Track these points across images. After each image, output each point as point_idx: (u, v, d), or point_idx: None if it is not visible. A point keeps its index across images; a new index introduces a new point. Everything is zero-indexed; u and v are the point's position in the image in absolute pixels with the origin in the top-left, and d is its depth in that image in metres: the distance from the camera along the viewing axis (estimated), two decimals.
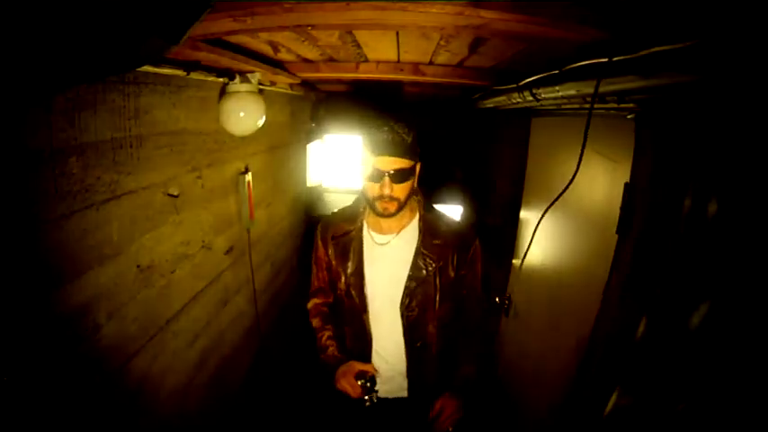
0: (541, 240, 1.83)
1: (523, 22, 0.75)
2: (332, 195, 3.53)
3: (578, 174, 0.92)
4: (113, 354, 1.04)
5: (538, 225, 1.12)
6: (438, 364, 1.24)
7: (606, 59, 0.78)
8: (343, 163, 3.51)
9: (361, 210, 1.24)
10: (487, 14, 0.72)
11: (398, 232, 1.21)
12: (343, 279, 1.22)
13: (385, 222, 1.20)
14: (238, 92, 1.48)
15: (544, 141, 1.88)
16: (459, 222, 1.30)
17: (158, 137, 1.19)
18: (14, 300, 0.76)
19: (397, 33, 1.14)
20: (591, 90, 0.91)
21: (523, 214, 2.09)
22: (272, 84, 1.94)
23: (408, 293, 1.18)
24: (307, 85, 2.43)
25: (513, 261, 2.16)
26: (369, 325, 1.22)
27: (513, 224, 2.16)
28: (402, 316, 1.19)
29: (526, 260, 1.99)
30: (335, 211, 1.33)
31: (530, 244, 1.29)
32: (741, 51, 0.52)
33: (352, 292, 1.21)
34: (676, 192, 0.88)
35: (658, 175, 0.93)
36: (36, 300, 0.80)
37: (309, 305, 1.36)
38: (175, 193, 1.30)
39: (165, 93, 1.21)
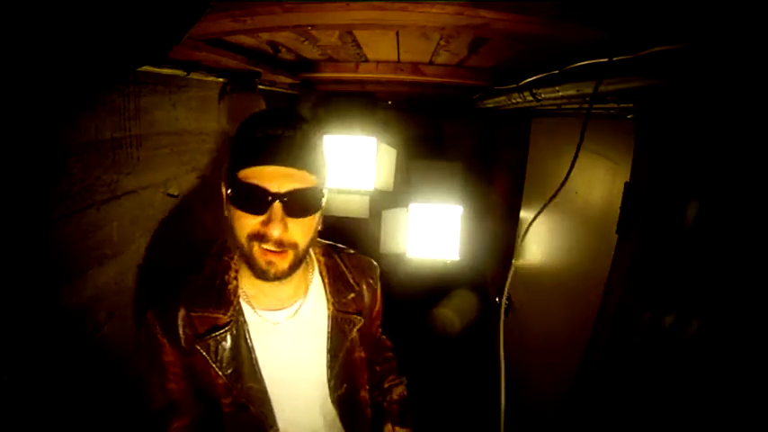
0: (541, 240, 1.83)
1: (523, 23, 0.75)
2: (332, 195, 3.53)
3: (578, 174, 0.92)
4: (114, 354, 1.04)
5: (530, 225, 1.09)
6: (372, 418, 0.97)
7: (606, 59, 0.78)
8: (343, 163, 3.51)
9: (230, 277, 0.79)
10: (487, 14, 0.72)
11: (299, 301, 0.82)
12: (231, 392, 0.80)
13: (272, 289, 0.78)
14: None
15: (544, 141, 1.88)
16: (357, 255, 0.98)
17: (158, 137, 1.19)
18: (14, 300, 0.76)
19: (397, 33, 1.14)
20: (591, 90, 0.91)
21: (523, 214, 2.10)
22: (272, 84, 1.94)
23: (334, 374, 0.85)
24: (307, 85, 2.43)
25: (513, 261, 2.16)
26: None
27: (514, 224, 2.16)
28: (334, 403, 0.86)
29: (526, 260, 1.99)
30: (176, 282, 0.81)
31: (521, 240, 1.26)
32: (742, 51, 0.52)
33: (250, 406, 0.81)
34: (676, 191, 0.88)
35: (658, 174, 0.93)
36: (35, 300, 0.80)
37: None
38: (175, 194, 1.30)
39: (165, 93, 1.21)
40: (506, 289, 1.10)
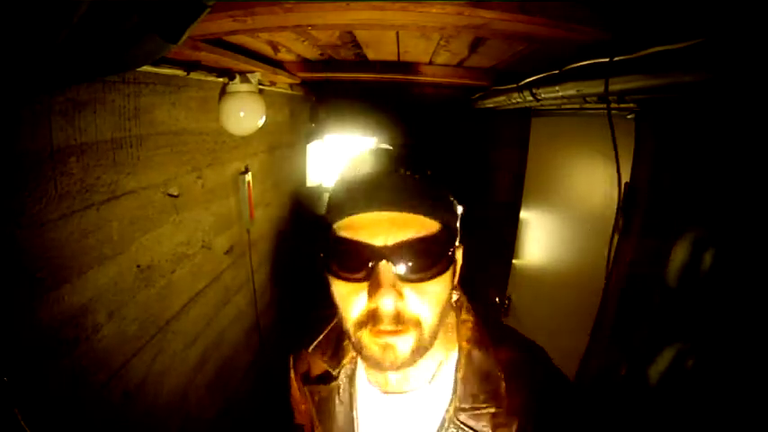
0: (542, 240, 1.83)
1: (523, 22, 0.75)
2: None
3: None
4: (114, 353, 1.04)
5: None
6: None
7: (607, 59, 0.78)
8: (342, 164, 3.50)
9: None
10: (487, 14, 0.72)
11: (424, 388, 0.58)
12: None
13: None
14: (238, 92, 1.48)
15: (544, 141, 1.87)
16: (533, 358, 0.60)
17: (158, 137, 1.19)
18: (15, 300, 0.76)
19: (397, 33, 1.14)
20: (591, 90, 0.91)
21: (523, 214, 2.09)
22: (272, 84, 1.94)
23: None
24: (307, 85, 2.43)
25: (513, 261, 2.16)
26: None
27: (514, 224, 2.16)
28: None
29: (526, 260, 1.99)
30: (315, 328, 0.69)
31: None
32: (747, 50, 0.51)
33: None
34: (676, 191, 0.88)
35: (658, 175, 0.93)
36: (36, 300, 0.80)
37: None
38: (175, 193, 1.30)
39: (165, 93, 1.21)
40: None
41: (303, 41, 1.23)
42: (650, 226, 0.95)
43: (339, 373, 0.64)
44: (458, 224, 0.53)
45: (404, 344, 0.48)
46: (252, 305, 2.08)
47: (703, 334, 0.78)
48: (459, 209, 0.54)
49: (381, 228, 0.47)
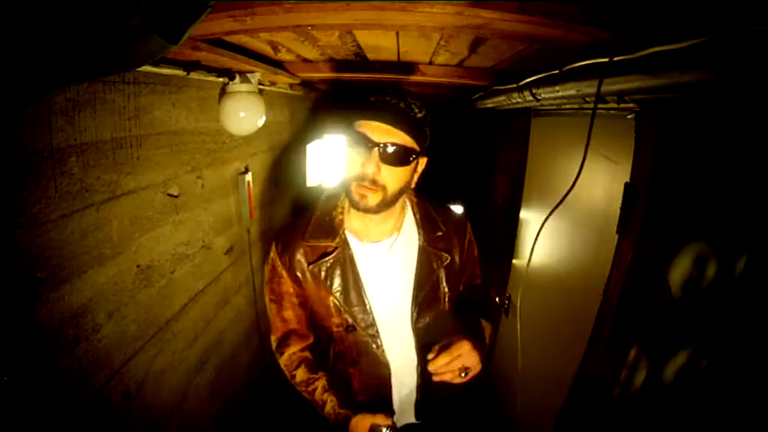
0: (542, 240, 1.83)
1: (523, 22, 0.75)
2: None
3: (579, 174, 0.92)
4: (114, 353, 1.04)
5: (540, 230, 1.06)
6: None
7: (607, 59, 0.78)
8: (342, 163, 3.49)
9: (337, 213, 0.97)
10: (487, 14, 0.72)
11: (396, 234, 0.96)
12: (340, 313, 0.94)
13: (374, 224, 0.94)
14: (238, 92, 1.48)
15: (544, 141, 1.88)
16: (449, 207, 1.11)
17: (158, 137, 1.19)
18: (15, 300, 0.76)
19: (397, 33, 1.14)
20: (591, 90, 0.91)
21: (523, 214, 2.09)
22: (272, 84, 1.94)
23: (417, 303, 0.95)
24: (307, 85, 2.43)
25: (514, 261, 2.16)
26: (386, 357, 0.96)
27: (514, 224, 2.16)
28: (413, 330, 0.96)
29: (526, 260, 1.99)
30: (294, 220, 1.00)
31: (532, 249, 1.26)
32: (751, 49, 0.51)
33: (359, 326, 0.94)
34: (676, 191, 0.88)
35: (658, 175, 0.93)
36: (36, 300, 0.80)
37: (284, 359, 1.01)
38: (175, 193, 1.30)
39: (165, 93, 1.21)
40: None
41: (303, 41, 1.22)
42: (650, 226, 0.95)
43: (336, 243, 0.93)
44: (425, 146, 0.88)
45: (374, 197, 0.84)
46: (252, 305, 2.08)
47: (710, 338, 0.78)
48: (430, 134, 0.89)
49: (382, 131, 0.82)
